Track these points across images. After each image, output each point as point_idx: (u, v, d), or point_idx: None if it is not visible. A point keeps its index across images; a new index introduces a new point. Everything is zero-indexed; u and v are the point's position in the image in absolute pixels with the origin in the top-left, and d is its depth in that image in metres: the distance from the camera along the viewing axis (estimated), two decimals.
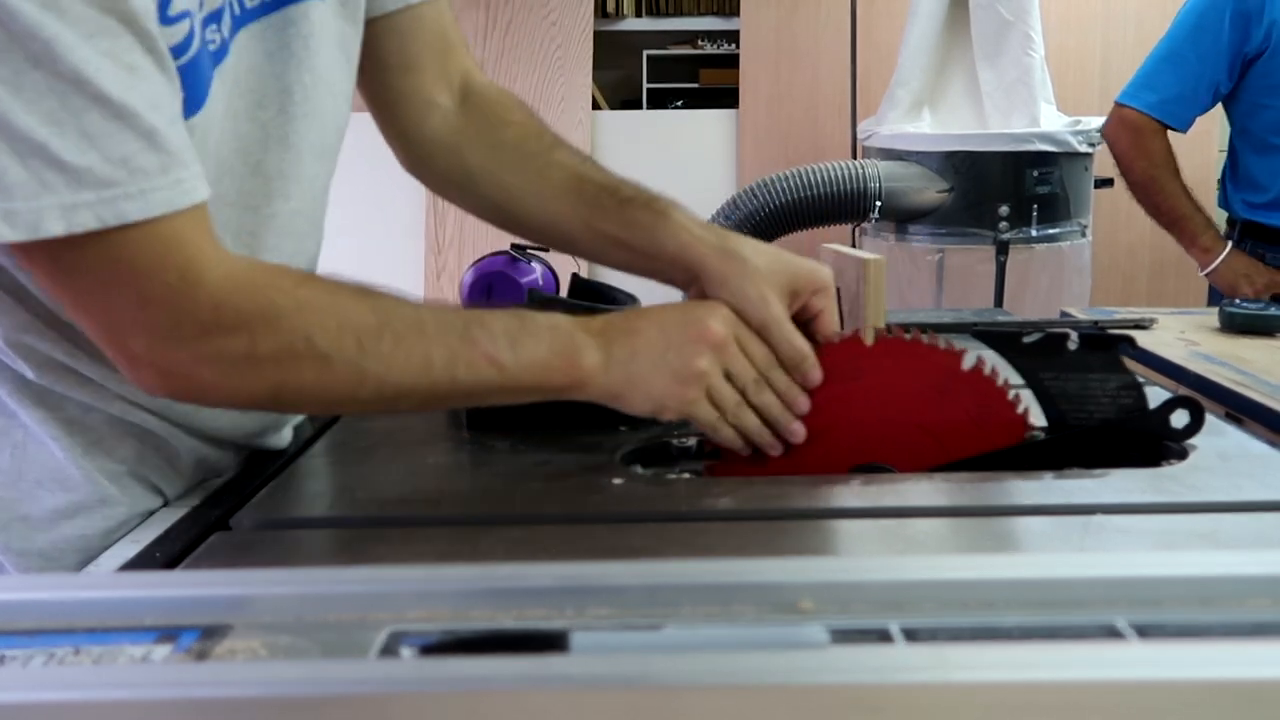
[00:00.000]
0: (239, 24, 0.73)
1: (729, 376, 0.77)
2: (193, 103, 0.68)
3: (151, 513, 0.78)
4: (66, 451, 0.74)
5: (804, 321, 0.83)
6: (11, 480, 0.74)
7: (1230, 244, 2.18)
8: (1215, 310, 1.46)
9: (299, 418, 0.93)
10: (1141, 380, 0.89)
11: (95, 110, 0.59)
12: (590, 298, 1.26)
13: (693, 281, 0.85)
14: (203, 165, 0.65)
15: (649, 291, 1.08)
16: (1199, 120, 3.55)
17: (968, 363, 0.82)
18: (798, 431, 0.80)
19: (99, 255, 0.61)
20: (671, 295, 0.88)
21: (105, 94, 0.59)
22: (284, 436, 0.90)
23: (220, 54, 0.71)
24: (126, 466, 0.77)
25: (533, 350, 0.73)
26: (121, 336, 0.65)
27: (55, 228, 0.59)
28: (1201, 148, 3.52)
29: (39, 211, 0.59)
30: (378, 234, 3.44)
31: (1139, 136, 2.23)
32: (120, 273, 0.62)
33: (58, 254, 0.61)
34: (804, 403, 0.80)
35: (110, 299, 0.64)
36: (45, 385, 0.73)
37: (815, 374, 0.80)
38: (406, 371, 0.70)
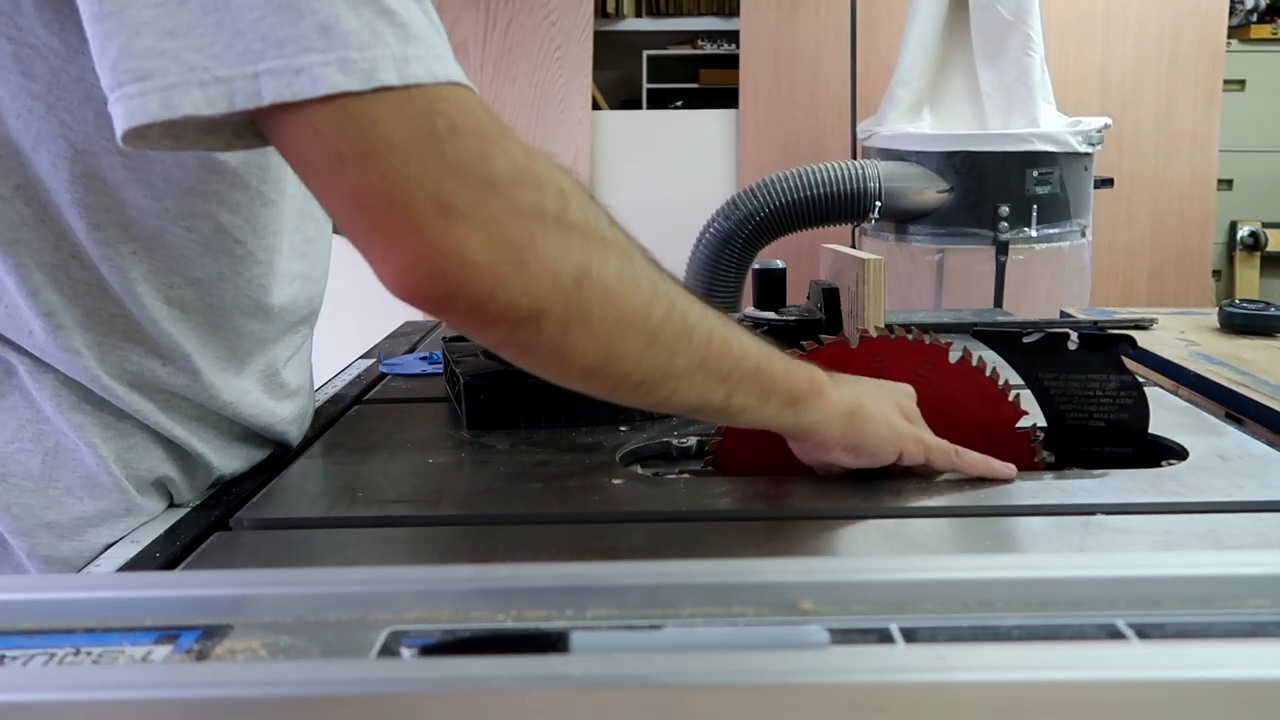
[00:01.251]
0: None
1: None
2: None
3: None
4: (100, 459, 0.73)
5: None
6: (41, 486, 0.73)
7: None
8: (1215, 310, 1.46)
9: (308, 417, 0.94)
10: (1141, 380, 0.89)
11: None
12: None
13: None
14: None
15: None
16: (1199, 120, 3.56)
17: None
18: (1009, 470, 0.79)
19: (409, 110, 0.55)
20: None
21: None
22: (300, 426, 0.91)
23: None
24: (154, 476, 0.76)
25: (773, 351, 0.72)
26: (424, 194, 0.55)
27: (390, 77, 0.54)
28: (1201, 148, 3.52)
29: (374, 61, 0.54)
30: None
31: None
32: (434, 126, 0.55)
33: (359, 111, 0.54)
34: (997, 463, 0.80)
35: (413, 156, 0.55)
36: (90, 389, 0.73)
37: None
38: (690, 305, 0.65)
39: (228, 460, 0.82)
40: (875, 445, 0.75)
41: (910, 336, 0.83)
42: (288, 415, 0.87)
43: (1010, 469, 0.78)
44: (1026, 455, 0.81)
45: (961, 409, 0.82)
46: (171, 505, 0.79)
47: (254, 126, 0.56)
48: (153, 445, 0.76)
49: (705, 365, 0.66)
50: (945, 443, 0.78)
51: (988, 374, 0.82)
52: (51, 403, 0.72)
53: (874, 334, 0.83)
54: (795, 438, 0.77)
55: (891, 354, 0.83)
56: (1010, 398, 0.82)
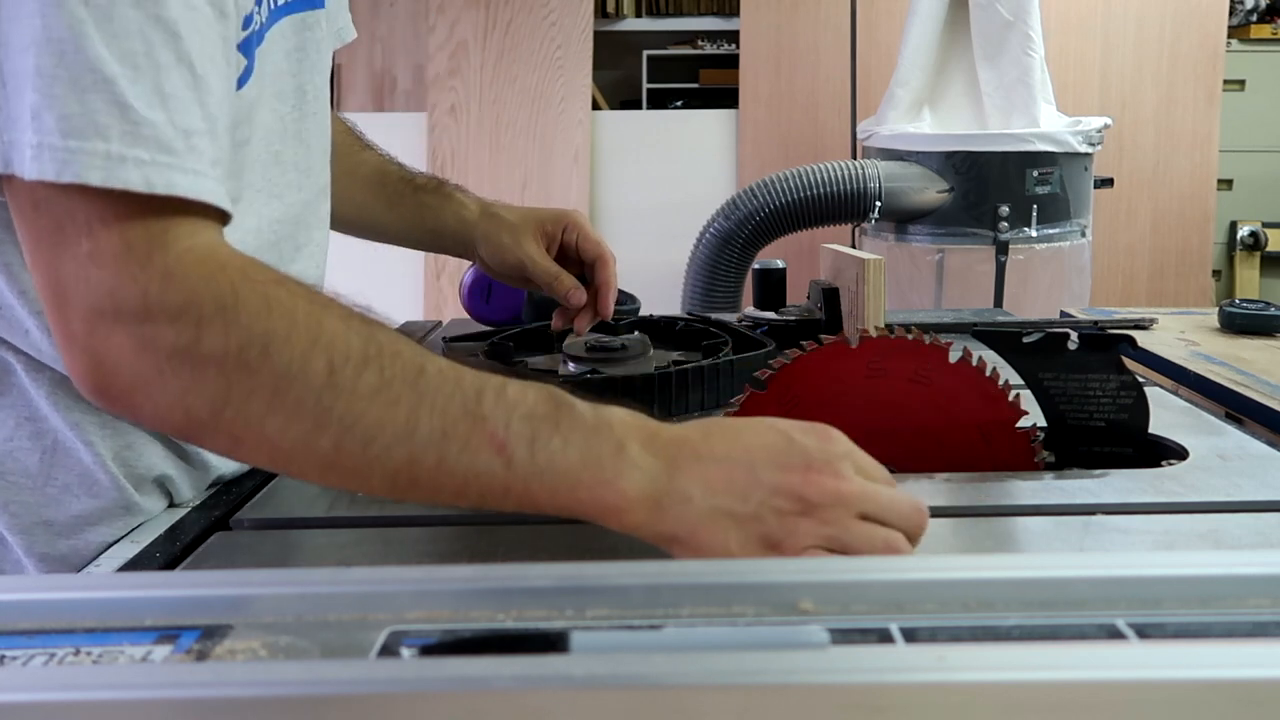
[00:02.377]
0: (275, 16, 0.74)
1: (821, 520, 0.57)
2: (242, 78, 0.68)
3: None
4: (97, 457, 0.73)
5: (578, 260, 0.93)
6: (39, 484, 0.73)
7: None
8: (1215, 310, 1.46)
9: None
10: (1141, 380, 0.89)
11: (178, 72, 0.55)
12: None
13: (468, 249, 1.02)
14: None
15: (647, 295, 1.08)
16: (1199, 121, 3.56)
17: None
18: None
19: (98, 211, 0.54)
20: None
21: (192, 61, 0.56)
22: None
23: (259, 38, 0.71)
24: (152, 474, 0.76)
25: (557, 451, 0.56)
26: (64, 302, 0.56)
27: (93, 176, 0.53)
28: (1201, 148, 3.52)
29: (78, 154, 0.53)
30: None
31: None
32: (102, 223, 0.54)
33: (53, 195, 0.54)
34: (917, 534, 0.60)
35: (68, 245, 0.55)
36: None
37: None
38: (381, 428, 0.55)
39: (227, 458, 0.82)
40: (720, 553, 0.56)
41: (910, 337, 0.83)
42: None
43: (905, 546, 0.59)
44: (1026, 455, 0.81)
45: (961, 409, 0.82)
46: (171, 505, 0.79)
47: None
48: (151, 443, 0.76)
49: (415, 486, 0.57)
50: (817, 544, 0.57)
51: (987, 374, 0.82)
52: (49, 401, 0.72)
53: (874, 334, 0.83)
54: None
55: (891, 354, 0.83)
56: (1010, 398, 0.82)
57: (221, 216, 0.59)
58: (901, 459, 0.82)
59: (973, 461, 0.82)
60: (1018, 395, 0.82)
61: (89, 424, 0.73)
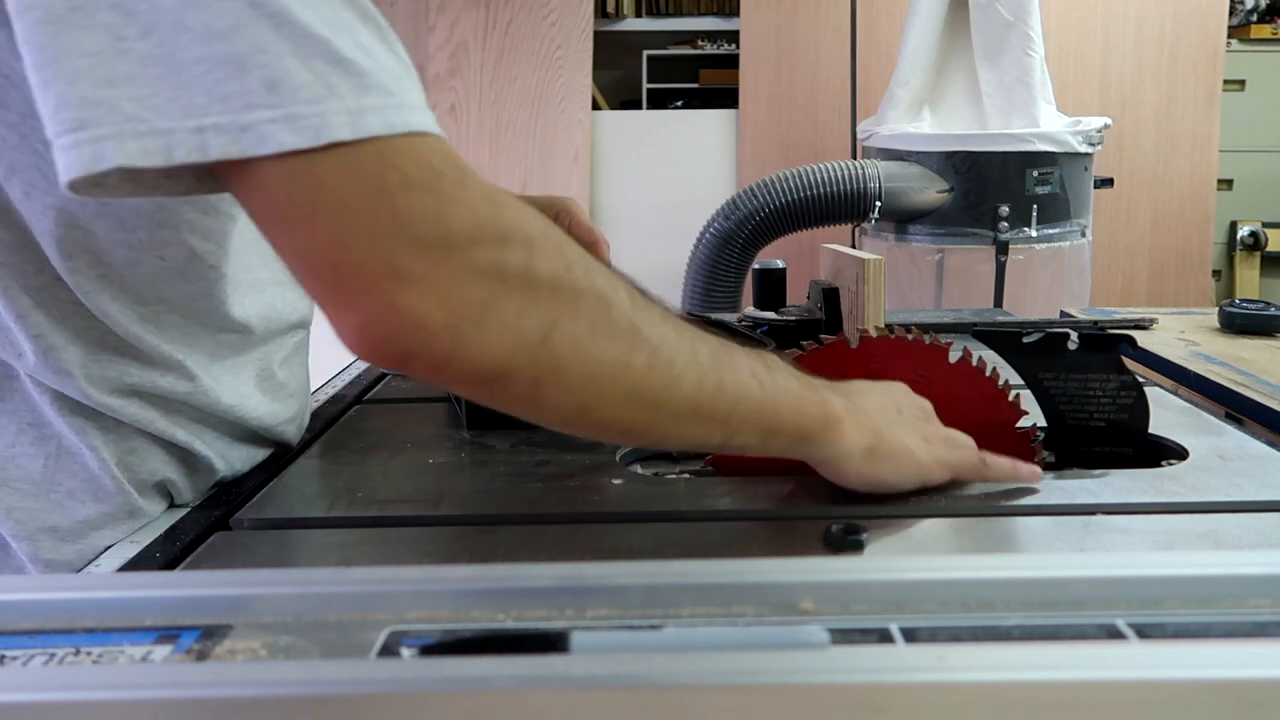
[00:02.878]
0: None
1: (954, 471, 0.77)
2: None
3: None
4: (102, 462, 0.73)
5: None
6: (43, 490, 0.73)
7: None
8: (1215, 310, 1.46)
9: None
10: (1141, 380, 0.89)
11: (366, 27, 0.57)
12: None
13: None
14: None
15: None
16: (1199, 121, 3.56)
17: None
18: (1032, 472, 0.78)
19: (359, 167, 0.53)
20: None
21: (373, 15, 0.58)
22: (298, 426, 0.91)
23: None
24: (155, 478, 0.76)
25: (785, 380, 0.68)
26: (373, 257, 0.52)
27: (341, 132, 0.52)
28: (1201, 148, 3.52)
29: (324, 115, 0.52)
30: None
31: None
32: (385, 183, 0.53)
33: (307, 169, 0.52)
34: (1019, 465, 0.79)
35: (363, 216, 0.53)
36: (90, 393, 0.72)
37: None
38: (678, 349, 0.61)
39: (230, 460, 0.82)
40: (896, 482, 0.73)
41: (910, 337, 0.82)
42: (287, 415, 0.87)
43: (1036, 471, 0.77)
44: (1026, 456, 0.81)
45: (961, 409, 0.82)
46: (172, 505, 0.79)
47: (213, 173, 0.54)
48: (154, 448, 0.76)
49: (698, 412, 0.62)
50: (971, 456, 0.76)
51: (988, 374, 0.82)
52: (53, 407, 0.72)
53: (874, 334, 0.83)
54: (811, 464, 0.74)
55: (891, 355, 0.83)
56: (1010, 398, 0.82)
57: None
58: None
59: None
60: (1018, 395, 0.82)
61: (92, 430, 0.73)
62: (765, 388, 0.65)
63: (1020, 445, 0.82)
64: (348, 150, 0.52)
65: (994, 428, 0.82)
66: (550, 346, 0.55)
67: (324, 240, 0.53)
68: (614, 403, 0.60)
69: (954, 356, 0.82)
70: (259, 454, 0.86)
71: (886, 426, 0.73)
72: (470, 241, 0.54)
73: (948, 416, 0.81)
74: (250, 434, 0.84)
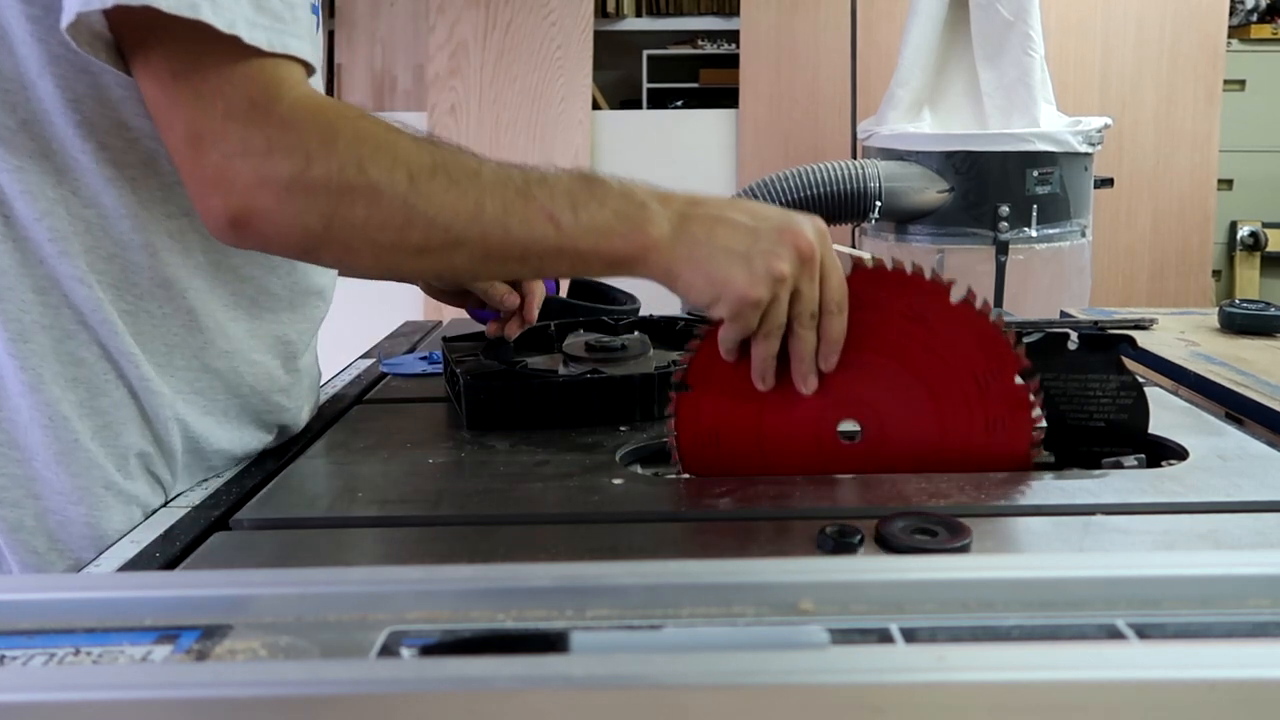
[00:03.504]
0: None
1: (794, 297, 0.75)
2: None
3: (154, 510, 0.79)
4: (78, 434, 0.75)
5: None
6: (25, 457, 0.75)
7: None
8: (1215, 310, 1.46)
9: (311, 398, 0.95)
10: (1141, 380, 0.89)
11: None
12: (590, 297, 1.26)
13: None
14: None
15: (647, 295, 1.08)
16: (1199, 121, 3.56)
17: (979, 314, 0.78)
18: (812, 386, 0.78)
19: (232, 63, 0.66)
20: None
21: None
22: (300, 415, 0.92)
23: (316, 10, 0.78)
24: (132, 452, 0.77)
25: (595, 213, 0.72)
26: (202, 148, 0.67)
27: (242, 30, 0.65)
28: (1201, 148, 3.52)
29: (234, 14, 0.65)
30: None
31: None
32: (234, 83, 0.66)
33: (198, 52, 0.66)
34: (835, 359, 0.77)
35: (208, 103, 0.66)
36: (68, 353, 0.75)
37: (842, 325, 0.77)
38: (457, 216, 0.69)
39: (216, 435, 0.82)
40: (718, 289, 0.73)
41: (909, 270, 0.78)
42: (285, 384, 0.87)
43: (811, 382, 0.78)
44: (1022, 409, 0.78)
45: (957, 354, 0.77)
46: (164, 492, 0.80)
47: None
48: (130, 422, 0.77)
49: (489, 256, 0.72)
50: (755, 323, 0.74)
51: (991, 319, 0.77)
52: (31, 376, 0.73)
53: (869, 263, 0.78)
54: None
55: (885, 285, 0.78)
56: (1013, 347, 0.77)
57: (309, 69, 0.71)
58: (886, 399, 0.79)
59: (964, 409, 0.78)
60: (1021, 346, 0.78)
61: (68, 402, 0.74)
62: (563, 229, 0.71)
63: (1017, 400, 0.78)
64: (223, 50, 0.65)
65: (990, 378, 0.78)
66: (334, 233, 0.68)
67: (176, 121, 0.68)
68: (407, 265, 0.73)
69: (955, 297, 0.77)
70: (250, 437, 0.87)
71: (707, 259, 0.73)
72: (263, 151, 0.66)
73: (941, 361, 0.77)
74: (241, 407, 0.84)
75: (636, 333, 1.11)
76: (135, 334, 0.77)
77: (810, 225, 0.74)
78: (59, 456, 0.74)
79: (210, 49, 0.66)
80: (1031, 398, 0.78)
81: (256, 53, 0.66)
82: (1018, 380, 0.78)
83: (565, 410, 0.93)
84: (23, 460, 0.74)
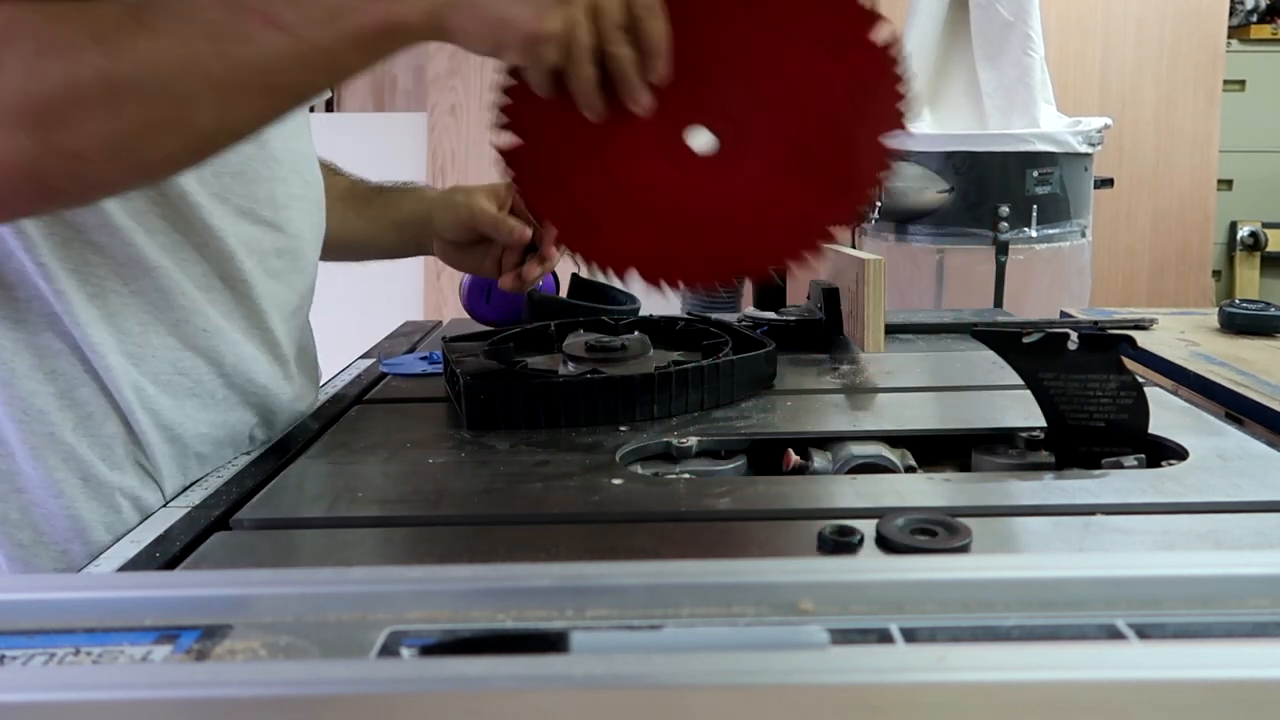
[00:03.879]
0: None
1: (593, 12, 0.64)
2: None
3: (150, 503, 0.79)
4: (54, 426, 0.75)
5: None
6: (7, 452, 0.75)
7: None
8: (1215, 310, 1.46)
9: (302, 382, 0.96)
10: (1141, 380, 0.89)
11: None
12: (590, 297, 1.26)
13: (427, 228, 1.07)
14: None
15: (645, 295, 1.08)
16: (1199, 121, 3.56)
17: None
18: (645, 102, 0.68)
19: None
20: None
21: None
22: (286, 394, 0.92)
23: None
24: (117, 442, 0.78)
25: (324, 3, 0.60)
26: None
27: None
28: (1201, 148, 3.52)
29: None
30: None
31: None
32: None
33: None
34: (663, 66, 0.67)
35: None
36: (41, 346, 0.75)
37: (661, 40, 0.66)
38: (162, 62, 0.56)
39: (198, 419, 0.83)
40: (471, 45, 0.64)
41: None
42: (269, 360, 0.88)
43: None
44: (889, 72, 0.70)
45: (798, 24, 0.69)
46: (156, 485, 0.80)
47: None
48: (111, 411, 0.77)
49: (226, 102, 0.60)
50: (558, 56, 0.64)
51: None
52: (4, 370, 0.74)
53: None
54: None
55: None
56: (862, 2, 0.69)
57: None
58: (736, 97, 0.71)
59: (823, 90, 0.71)
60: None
61: (46, 394, 0.75)
62: (294, 31, 0.59)
63: (879, 61, 0.70)
64: None
65: (846, 43, 0.69)
66: (50, 120, 0.56)
67: None
68: (131, 139, 0.59)
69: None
70: (239, 420, 0.87)
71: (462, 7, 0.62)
72: None
73: (783, 36, 0.69)
74: (237, 391, 0.84)
75: (636, 332, 1.11)
76: (105, 319, 0.76)
77: None
78: (35, 450, 0.75)
79: None
80: (895, 54, 0.71)
81: None
82: (876, 38, 0.70)
83: (565, 410, 0.93)
84: (5, 454, 0.75)
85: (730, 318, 1.36)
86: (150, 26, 0.56)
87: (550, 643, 0.44)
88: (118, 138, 0.58)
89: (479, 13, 0.61)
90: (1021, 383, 0.85)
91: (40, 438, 0.75)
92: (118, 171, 0.61)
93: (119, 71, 0.56)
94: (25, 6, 0.56)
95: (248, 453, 0.90)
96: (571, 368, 1.03)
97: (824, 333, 1.28)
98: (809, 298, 1.36)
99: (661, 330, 1.14)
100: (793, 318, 1.31)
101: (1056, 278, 2.60)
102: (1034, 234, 2.55)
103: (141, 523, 0.76)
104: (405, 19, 0.61)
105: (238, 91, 0.59)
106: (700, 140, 0.72)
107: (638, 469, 0.86)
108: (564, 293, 1.31)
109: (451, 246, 1.09)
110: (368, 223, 1.13)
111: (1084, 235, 2.66)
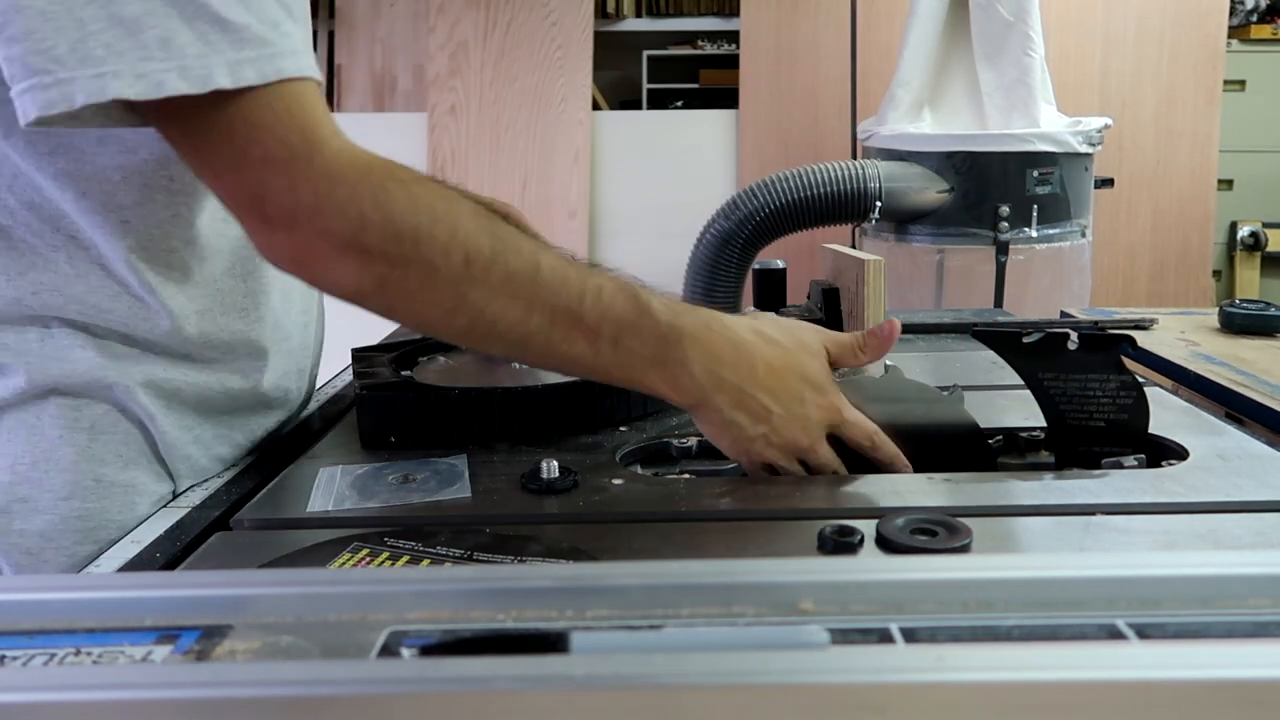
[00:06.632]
0: None
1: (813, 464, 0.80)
2: None
3: (164, 504, 0.80)
4: (64, 432, 0.76)
5: None
6: (8, 464, 0.75)
7: None
8: (1215, 310, 1.46)
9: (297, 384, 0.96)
10: (1141, 380, 0.89)
11: None
12: None
13: None
14: None
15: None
16: (1199, 121, 3.56)
17: None
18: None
19: (239, 111, 0.64)
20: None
21: None
22: (269, 368, 0.91)
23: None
24: (124, 451, 0.78)
25: (634, 348, 0.73)
26: (252, 199, 0.66)
27: (223, 80, 0.62)
28: (1201, 148, 3.52)
29: (209, 67, 0.62)
30: None
31: None
32: (257, 128, 0.64)
33: (201, 113, 0.64)
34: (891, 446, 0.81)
35: (242, 158, 0.65)
36: (51, 356, 0.75)
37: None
38: (504, 316, 0.70)
39: (201, 433, 0.83)
40: (737, 447, 0.78)
41: None
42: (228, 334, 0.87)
43: (906, 464, 0.80)
44: None
45: None
46: (171, 482, 0.81)
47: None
48: (120, 421, 0.78)
49: (512, 354, 0.80)
50: (825, 457, 0.79)
51: None
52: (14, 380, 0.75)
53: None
54: None
55: None
56: None
57: (317, 83, 0.69)
58: None
59: None
60: None
61: (52, 402, 0.76)
62: (601, 356, 0.73)
63: None
64: (215, 101, 0.63)
65: None
66: (385, 295, 0.69)
67: (216, 183, 0.68)
68: (448, 337, 0.78)
69: None
70: (258, 424, 0.87)
71: (725, 428, 0.77)
72: (312, 205, 0.66)
73: None
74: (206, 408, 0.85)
75: None
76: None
77: (838, 392, 0.79)
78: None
79: (206, 112, 0.64)
80: None
81: (250, 89, 0.64)
82: None
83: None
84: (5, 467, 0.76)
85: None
86: (513, 280, 0.70)
87: (550, 643, 0.44)
88: (435, 325, 0.73)
89: (728, 433, 0.77)
90: (1021, 383, 0.85)
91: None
92: (413, 327, 0.76)
93: (469, 295, 0.69)
94: (430, 187, 0.70)
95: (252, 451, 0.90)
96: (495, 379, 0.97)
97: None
98: (809, 298, 1.36)
99: None
100: (793, 318, 1.31)
101: (1056, 278, 2.60)
102: (1034, 234, 2.55)
103: (142, 523, 0.76)
104: (670, 398, 0.76)
105: (533, 356, 0.75)
106: None
107: (638, 469, 0.86)
108: None
109: None
110: None
111: (1084, 235, 2.66)
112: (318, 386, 1.13)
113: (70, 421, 0.76)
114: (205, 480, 0.84)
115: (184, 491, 0.82)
